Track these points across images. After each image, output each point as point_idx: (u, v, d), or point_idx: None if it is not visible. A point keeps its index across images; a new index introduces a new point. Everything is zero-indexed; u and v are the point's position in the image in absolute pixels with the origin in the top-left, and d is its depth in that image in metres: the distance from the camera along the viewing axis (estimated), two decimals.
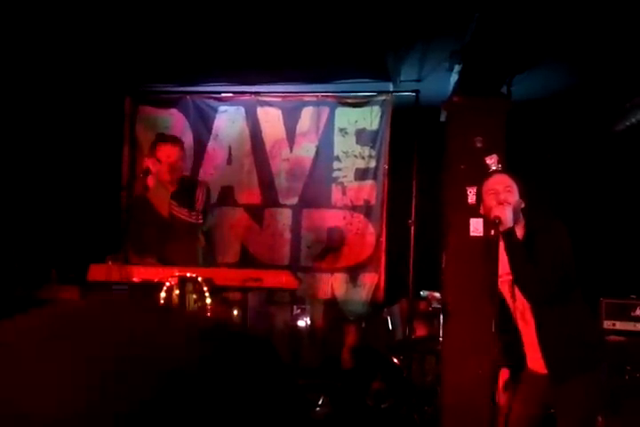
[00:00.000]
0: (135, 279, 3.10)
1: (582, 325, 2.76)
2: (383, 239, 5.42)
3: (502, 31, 3.84)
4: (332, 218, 5.53)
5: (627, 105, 5.14)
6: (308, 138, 5.57)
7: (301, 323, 5.40)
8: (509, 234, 2.70)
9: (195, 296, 3.01)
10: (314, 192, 5.54)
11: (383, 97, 5.45)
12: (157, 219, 3.78)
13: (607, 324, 4.45)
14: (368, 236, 5.47)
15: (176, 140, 3.99)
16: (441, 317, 4.65)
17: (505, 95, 4.55)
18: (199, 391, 0.54)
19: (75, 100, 5.37)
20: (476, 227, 4.41)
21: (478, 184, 2.98)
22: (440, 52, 4.57)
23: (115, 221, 4.69)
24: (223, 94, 5.63)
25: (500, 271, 2.74)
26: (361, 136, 5.51)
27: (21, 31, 4.40)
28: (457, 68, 4.53)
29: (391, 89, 5.38)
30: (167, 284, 2.99)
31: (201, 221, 3.88)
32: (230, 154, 5.63)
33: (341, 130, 5.55)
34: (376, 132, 5.48)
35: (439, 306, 4.75)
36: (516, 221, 2.77)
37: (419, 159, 5.03)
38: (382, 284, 5.44)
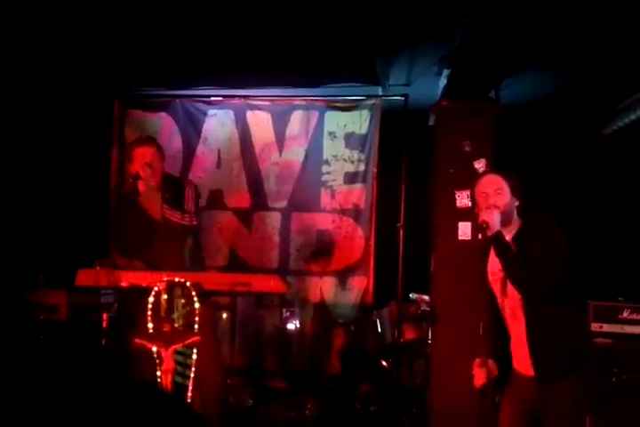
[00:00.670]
0: (123, 284, 3.09)
1: (572, 327, 2.78)
2: (372, 243, 5.44)
3: (490, 36, 3.87)
4: (321, 221, 5.54)
5: (611, 111, 5.18)
6: (298, 142, 5.57)
7: (290, 326, 5.40)
8: (498, 238, 2.71)
9: (183, 301, 3.01)
10: (303, 196, 5.55)
11: (372, 101, 5.46)
12: (149, 223, 3.76)
13: (595, 326, 4.47)
14: (357, 239, 5.48)
15: (150, 140, 3.97)
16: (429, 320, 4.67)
17: (493, 99, 4.58)
18: None
19: (64, 104, 5.36)
20: (465, 230, 4.44)
21: (469, 189, 2.99)
22: (429, 57, 4.59)
23: (103, 225, 4.68)
24: (212, 98, 5.63)
25: (491, 269, 2.76)
26: (350, 140, 5.52)
27: (11, 35, 4.39)
28: (445, 72, 4.56)
29: (380, 93, 5.39)
30: (155, 288, 2.97)
31: (195, 223, 3.87)
32: (219, 157, 5.63)
33: (330, 134, 5.56)
34: (365, 136, 5.50)
35: (428, 309, 4.76)
36: (509, 220, 2.78)
37: (407, 163, 5.05)
38: (371, 287, 5.45)
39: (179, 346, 2.94)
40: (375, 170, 5.45)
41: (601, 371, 4.06)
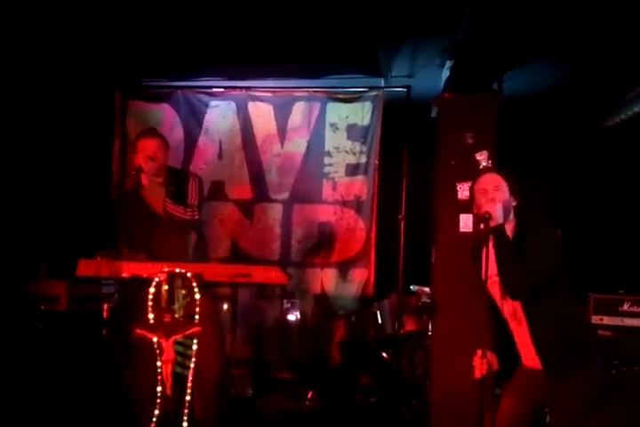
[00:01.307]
0: (124, 275, 3.09)
1: (574, 321, 2.78)
2: (373, 235, 5.45)
3: (493, 28, 3.86)
4: (322, 213, 5.55)
5: (614, 103, 5.16)
6: (299, 133, 5.57)
7: (291, 317, 5.42)
8: (499, 230, 2.71)
9: (184, 292, 3.01)
10: (304, 187, 5.56)
11: (374, 93, 5.45)
12: (151, 216, 3.76)
13: (595, 319, 4.48)
14: (358, 231, 5.49)
15: (153, 132, 3.96)
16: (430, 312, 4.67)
17: (496, 91, 4.55)
18: None
19: (65, 95, 5.35)
20: (466, 223, 4.43)
21: (471, 181, 2.98)
22: (431, 49, 4.58)
23: (105, 216, 4.68)
24: (214, 89, 5.63)
25: (490, 272, 2.75)
26: (352, 132, 5.52)
27: (13, 26, 4.38)
28: (448, 64, 4.54)
29: (382, 85, 5.38)
30: (156, 279, 2.98)
31: (197, 217, 3.86)
32: (221, 149, 5.63)
33: (332, 125, 5.56)
34: (367, 128, 5.49)
35: (429, 301, 4.77)
36: (505, 219, 2.78)
37: (409, 155, 5.04)
38: (372, 279, 5.47)
39: (179, 337, 2.95)
40: (377, 162, 5.46)
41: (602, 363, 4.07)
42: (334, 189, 5.54)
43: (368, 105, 5.49)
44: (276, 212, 5.59)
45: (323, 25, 4.43)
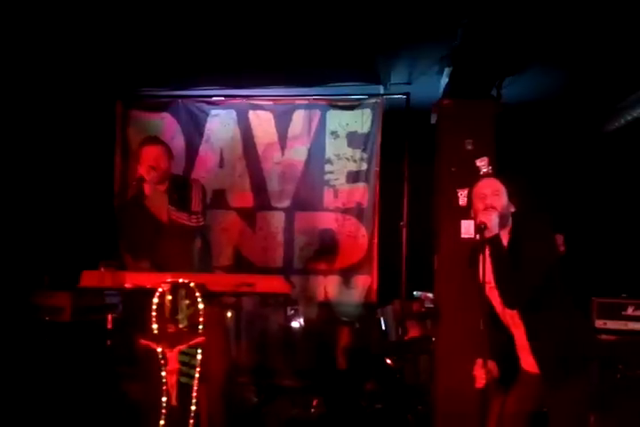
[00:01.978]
0: (127, 285, 3.10)
1: (572, 328, 2.78)
2: (375, 241, 5.46)
3: (491, 35, 3.87)
4: (324, 220, 5.56)
5: (614, 108, 5.17)
6: (300, 141, 5.59)
7: (295, 324, 5.42)
8: (495, 240, 2.71)
9: (187, 302, 3.02)
10: (306, 195, 5.57)
11: (374, 100, 5.47)
12: (155, 224, 3.76)
13: (599, 323, 4.48)
14: (360, 238, 5.50)
15: (155, 140, 3.96)
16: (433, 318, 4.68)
17: (495, 98, 4.57)
18: None
19: (66, 105, 5.37)
20: (467, 229, 4.44)
21: (469, 187, 2.99)
22: (430, 56, 4.59)
23: (107, 226, 4.69)
24: (215, 98, 5.65)
25: (489, 278, 2.75)
26: (352, 139, 5.54)
27: (14, 36, 4.40)
28: (447, 71, 4.55)
29: (382, 92, 5.40)
30: (160, 290, 2.99)
31: (202, 223, 3.87)
32: (222, 157, 5.65)
33: (333, 133, 5.58)
34: (367, 135, 5.51)
35: (432, 306, 4.77)
36: (503, 225, 2.79)
37: (410, 162, 5.06)
38: (375, 285, 5.47)
39: (183, 347, 2.96)
40: (378, 169, 5.47)
41: (605, 368, 4.06)
42: (336, 196, 5.56)
43: (368, 112, 5.51)
44: (277, 220, 5.60)
45: (322, 33, 4.45)
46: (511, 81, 4.49)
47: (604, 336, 4.43)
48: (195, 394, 2.96)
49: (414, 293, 5.23)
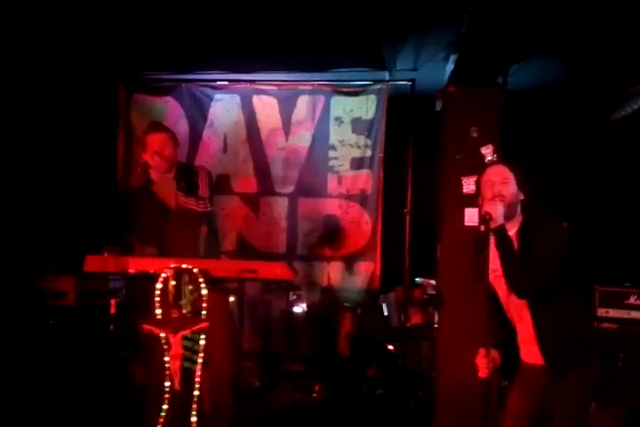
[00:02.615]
0: (131, 271, 3.10)
1: (577, 319, 2.77)
2: (379, 228, 5.46)
3: (498, 22, 3.83)
4: (327, 207, 5.57)
5: (620, 97, 5.13)
6: (304, 127, 5.58)
7: (297, 309, 5.44)
8: (500, 231, 2.68)
9: (191, 287, 3.02)
10: (310, 181, 5.57)
11: (379, 86, 5.45)
12: (163, 210, 3.74)
13: (601, 311, 4.49)
14: (364, 224, 5.50)
15: (161, 127, 3.92)
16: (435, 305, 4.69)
17: (501, 85, 4.53)
18: None
19: (69, 89, 5.35)
20: (471, 217, 4.42)
21: (476, 175, 2.96)
22: (436, 42, 4.56)
23: (110, 211, 4.69)
24: (218, 82, 5.63)
25: (495, 266, 2.74)
26: (356, 125, 5.52)
27: (16, 20, 4.37)
28: (453, 57, 4.52)
29: (387, 78, 5.36)
30: (163, 275, 2.99)
31: (209, 209, 3.86)
32: (226, 142, 5.64)
33: (337, 119, 5.56)
34: (371, 122, 5.49)
35: (434, 292, 4.78)
36: (512, 214, 2.76)
37: (414, 148, 5.04)
38: (378, 272, 5.49)
39: (187, 332, 2.97)
40: (382, 155, 5.46)
41: (607, 356, 4.08)
42: (339, 182, 5.55)
43: (372, 98, 5.48)
44: (281, 205, 5.61)
45: (327, 18, 4.41)
46: (517, 68, 4.45)
47: (606, 325, 4.44)
48: (198, 379, 2.97)
49: (416, 279, 5.24)
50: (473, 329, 2.77)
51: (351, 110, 5.54)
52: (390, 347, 5.02)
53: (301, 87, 5.57)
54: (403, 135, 5.09)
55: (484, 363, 2.70)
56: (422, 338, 4.95)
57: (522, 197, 2.80)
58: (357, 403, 4.79)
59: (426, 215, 4.91)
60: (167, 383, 2.95)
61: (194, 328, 2.98)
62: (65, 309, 4.34)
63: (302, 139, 5.58)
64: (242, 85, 5.61)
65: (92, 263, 3.14)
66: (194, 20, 4.49)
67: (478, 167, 3.03)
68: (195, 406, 2.95)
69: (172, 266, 3.01)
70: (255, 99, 5.62)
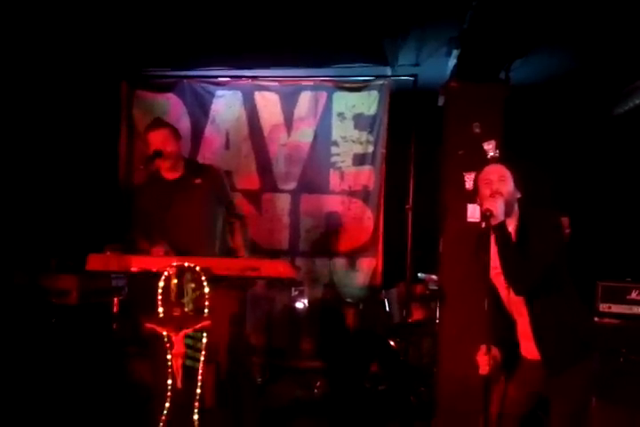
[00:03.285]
0: (133, 269, 3.10)
1: (576, 315, 2.78)
2: (381, 224, 5.47)
3: (500, 17, 3.82)
4: (330, 203, 5.57)
5: (623, 91, 5.11)
6: (306, 123, 5.57)
7: (299, 305, 5.46)
8: (501, 228, 2.70)
9: (193, 285, 3.02)
10: (312, 177, 5.57)
11: (381, 82, 5.43)
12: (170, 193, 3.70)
13: (603, 307, 4.47)
14: (366, 221, 5.51)
15: (161, 124, 3.84)
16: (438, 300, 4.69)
17: (503, 80, 4.52)
18: None
19: (70, 85, 5.34)
20: (473, 212, 4.42)
21: (476, 171, 2.97)
22: (438, 37, 4.55)
23: (113, 208, 4.69)
24: (220, 79, 5.62)
25: (495, 263, 2.75)
26: (359, 121, 5.52)
27: (17, 16, 4.37)
28: (455, 52, 4.50)
29: (389, 73, 5.35)
30: (165, 273, 2.99)
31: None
32: (228, 139, 5.64)
33: (339, 115, 5.55)
34: (374, 117, 5.49)
35: (436, 288, 4.79)
36: (509, 212, 2.77)
37: (416, 144, 5.03)
38: (380, 268, 5.50)
39: (189, 330, 2.97)
40: (384, 151, 5.45)
41: (609, 351, 4.08)
42: (342, 178, 5.55)
43: (375, 94, 5.47)
44: (283, 202, 5.61)
45: (329, 13, 4.41)
46: (520, 64, 4.44)
47: (607, 320, 4.43)
48: (200, 377, 2.98)
49: (418, 275, 5.25)
50: (474, 325, 2.78)
51: (353, 106, 5.53)
52: (392, 343, 5.03)
53: (303, 83, 5.56)
54: (405, 131, 5.08)
55: (484, 360, 2.70)
56: (424, 334, 4.96)
57: (519, 196, 2.82)
58: (359, 398, 4.80)
59: (428, 211, 4.90)
60: (169, 382, 2.95)
61: (196, 326, 2.99)
62: (68, 307, 4.34)
63: (304, 135, 5.58)
64: (243, 82, 5.60)
65: (95, 262, 3.14)
66: (195, 16, 4.49)
67: (481, 163, 3.02)
68: (197, 404, 2.96)
69: (174, 264, 3.01)
70: (257, 95, 5.61)
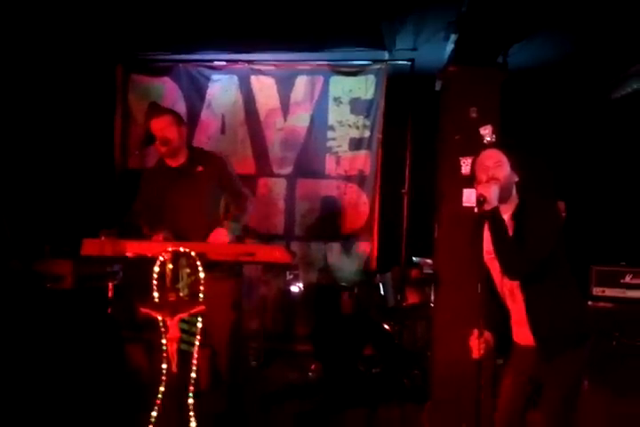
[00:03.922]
0: (128, 254, 3.10)
1: (570, 302, 2.79)
2: (376, 209, 5.48)
3: (498, 1, 3.80)
4: (326, 188, 5.57)
5: (621, 75, 5.09)
6: (303, 107, 5.55)
7: (295, 289, 5.48)
8: (494, 214, 2.70)
9: (188, 271, 3.03)
10: (308, 162, 5.56)
11: (378, 66, 5.41)
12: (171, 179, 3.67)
13: (597, 291, 4.50)
14: (362, 205, 5.51)
15: (159, 111, 3.75)
16: (432, 284, 4.71)
17: (501, 65, 4.50)
18: None
19: (65, 70, 5.31)
20: (469, 197, 4.42)
21: (472, 156, 2.97)
22: (436, 21, 4.51)
23: (108, 193, 4.68)
24: (216, 63, 5.59)
25: (487, 248, 2.76)
26: (355, 105, 5.50)
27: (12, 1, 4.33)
28: (453, 37, 4.47)
29: (386, 58, 5.32)
30: (160, 258, 3.00)
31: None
32: (224, 123, 5.62)
33: (336, 99, 5.53)
34: (370, 102, 5.47)
35: (431, 271, 4.81)
36: (505, 197, 2.77)
37: (413, 129, 5.02)
38: (375, 252, 5.51)
39: (184, 315, 2.99)
40: (380, 136, 5.44)
41: (602, 335, 4.11)
42: (338, 163, 5.55)
43: (372, 78, 5.45)
44: (279, 186, 5.61)
45: None
46: (518, 48, 4.42)
47: (601, 304, 4.46)
48: (195, 362, 3.00)
49: (413, 259, 5.26)
50: (469, 309, 2.78)
51: (350, 90, 5.51)
52: (386, 326, 5.06)
53: (300, 67, 5.53)
54: (402, 115, 5.06)
55: (476, 344, 2.72)
56: (418, 318, 4.99)
57: (516, 180, 2.82)
58: (353, 382, 4.83)
59: (424, 196, 4.91)
60: (164, 366, 2.97)
61: (191, 311, 3.00)
62: (62, 292, 4.34)
63: (301, 119, 5.56)
64: (240, 66, 5.57)
65: (89, 247, 3.13)
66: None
67: (477, 148, 3.02)
68: (192, 388, 2.98)
69: (169, 249, 3.02)
70: (253, 79, 5.58)
